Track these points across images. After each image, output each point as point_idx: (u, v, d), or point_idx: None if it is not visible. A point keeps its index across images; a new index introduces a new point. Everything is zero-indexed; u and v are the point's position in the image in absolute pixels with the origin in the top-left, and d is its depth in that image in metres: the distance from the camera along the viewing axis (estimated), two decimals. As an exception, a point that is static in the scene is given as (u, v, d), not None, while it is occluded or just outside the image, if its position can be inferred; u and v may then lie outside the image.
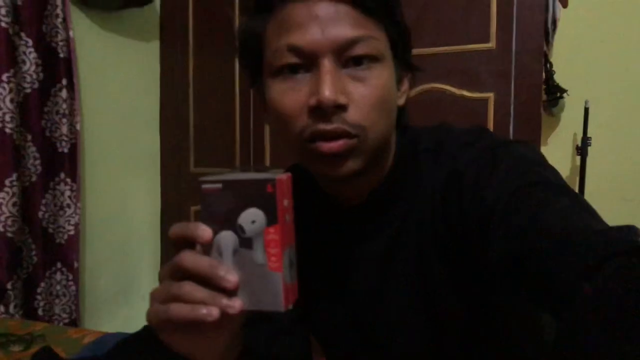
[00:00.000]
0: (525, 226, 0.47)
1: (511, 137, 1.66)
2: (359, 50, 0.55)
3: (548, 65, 1.87)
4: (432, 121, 1.95)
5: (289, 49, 0.55)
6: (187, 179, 2.20)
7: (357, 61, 0.56)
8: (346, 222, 0.67)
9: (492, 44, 1.67)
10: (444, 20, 1.73)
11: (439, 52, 1.73)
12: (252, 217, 0.42)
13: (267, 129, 2.00)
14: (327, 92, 0.53)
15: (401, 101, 0.63)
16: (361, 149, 0.57)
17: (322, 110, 0.54)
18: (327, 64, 0.54)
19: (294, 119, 0.56)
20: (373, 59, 0.56)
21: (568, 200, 0.48)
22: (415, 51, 2.02)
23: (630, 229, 0.42)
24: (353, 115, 0.55)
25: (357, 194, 0.64)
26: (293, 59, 0.55)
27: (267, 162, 2.02)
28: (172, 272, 0.44)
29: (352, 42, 0.55)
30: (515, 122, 1.65)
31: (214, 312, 0.41)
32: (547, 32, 1.68)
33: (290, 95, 0.56)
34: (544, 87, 1.80)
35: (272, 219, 0.42)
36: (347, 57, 0.55)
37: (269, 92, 0.59)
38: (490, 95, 1.69)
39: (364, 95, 0.56)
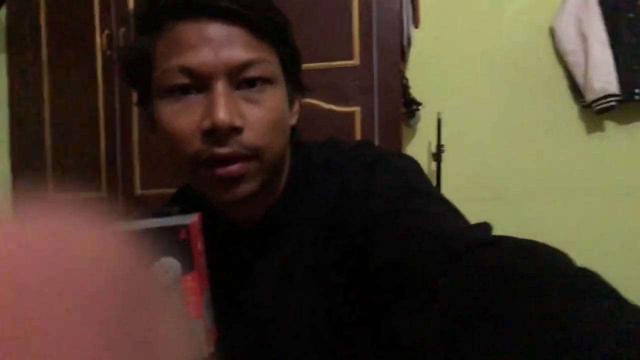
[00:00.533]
0: (402, 233, 0.49)
1: (377, 148, 1.78)
2: (252, 72, 0.55)
3: (404, 81, 2.04)
4: (303, 134, 2.01)
5: (180, 69, 0.53)
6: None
7: (251, 83, 0.55)
8: (242, 242, 0.65)
9: (355, 61, 1.78)
10: (308, 37, 1.80)
11: (306, 68, 1.78)
12: (165, 268, 0.39)
13: (135, 148, 1.91)
14: (222, 114, 0.52)
15: (293, 121, 0.65)
16: (258, 170, 0.56)
17: (217, 134, 0.52)
18: (220, 86, 0.53)
19: (187, 142, 0.54)
20: (266, 81, 0.56)
21: (439, 206, 0.52)
22: None
23: (482, 225, 0.46)
24: (249, 137, 0.54)
25: (253, 214, 0.64)
26: (185, 80, 0.54)
27: (137, 184, 1.92)
28: None
29: (246, 65, 0.54)
30: (380, 134, 1.77)
31: None
32: (403, 50, 1.83)
33: (182, 117, 0.55)
34: (402, 100, 1.95)
35: (188, 266, 0.39)
36: (241, 79, 0.55)
37: (158, 112, 0.57)
38: (357, 109, 1.79)
39: (259, 117, 0.55)
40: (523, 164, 2.15)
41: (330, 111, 1.80)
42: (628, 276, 2.07)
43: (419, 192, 0.55)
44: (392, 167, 0.60)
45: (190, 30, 0.53)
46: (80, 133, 1.96)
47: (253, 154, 0.55)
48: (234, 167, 0.54)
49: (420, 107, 2.09)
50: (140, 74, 0.59)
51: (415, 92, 2.09)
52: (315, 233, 0.62)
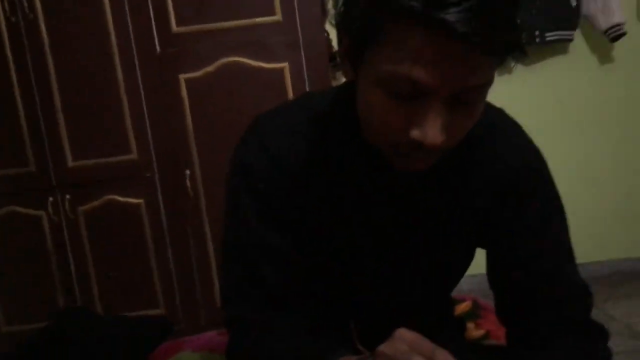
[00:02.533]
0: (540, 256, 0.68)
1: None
2: (470, 96, 0.53)
3: (326, 34, 2.13)
4: (236, 93, 2.08)
5: (408, 79, 0.51)
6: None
7: (465, 101, 0.54)
8: (391, 177, 0.68)
9: (278, 17, 1.85)
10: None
11: (230, 26, 1.84)
12: None
13: (60, 116, 1.88)
14: (434, 138, 0.53)
15: None
16: (439, 156, 0.59)
17: (423, 147, 0.54)
18: (440, 105, 0.53)
19: (390, 134, 0.57)
20: (481, 94, 0.55)
21: (567, 260, 0.71)
22: (206, 27, 2.11)
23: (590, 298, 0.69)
24: (447, 144, 0.56)
25: None
26: (408, 88, 0.52)
27: (69, 156, 1.90)
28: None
29: (469, 90, 0.53)
30: (310, 89, 1.87)
31: None
32: (323, 4, 1.92)
33: (392, 114, 0.55)
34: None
35: None
36: (460, 96, 0.53)
37: (369, 94, 0.57)
38: (285, 65, 1.87)
39: (462, 127, 0.57)
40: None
41: (259, 68, 1.87)
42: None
43: (562, 214, 0.72)
44: (550, 180, 0.73)
45: (429, 42, 0.50)
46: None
47: (444, 150, 0.58)
48: (421, 165, 0.60)
49: (345, 61, 2.18)
50: (358, 41, 0.56)
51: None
52: (464, 176, 0.70)
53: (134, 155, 1.91)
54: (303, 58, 1.88)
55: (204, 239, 1.97)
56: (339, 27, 0.61)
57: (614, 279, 2.33)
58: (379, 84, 0.54)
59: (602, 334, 0.70)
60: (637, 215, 2.41)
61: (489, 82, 0.53)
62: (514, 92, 2.34)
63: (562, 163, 2.34)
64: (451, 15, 0.46)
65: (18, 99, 1.88)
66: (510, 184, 0.70)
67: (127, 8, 1.84)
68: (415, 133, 0.54)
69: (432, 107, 0.52)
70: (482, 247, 0.77)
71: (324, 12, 1.94)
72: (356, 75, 0.60)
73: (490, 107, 0.72)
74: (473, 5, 0.46)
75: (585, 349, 0.67)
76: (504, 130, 0.72)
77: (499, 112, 0.74)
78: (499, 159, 0.70)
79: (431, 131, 0.53)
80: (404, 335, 0.52)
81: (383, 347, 0.52)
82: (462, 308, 1.21)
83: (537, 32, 2.22)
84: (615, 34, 2.20)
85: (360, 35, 0.55)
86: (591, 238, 2.38)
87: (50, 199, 1.92)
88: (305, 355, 0.63)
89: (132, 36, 1.85)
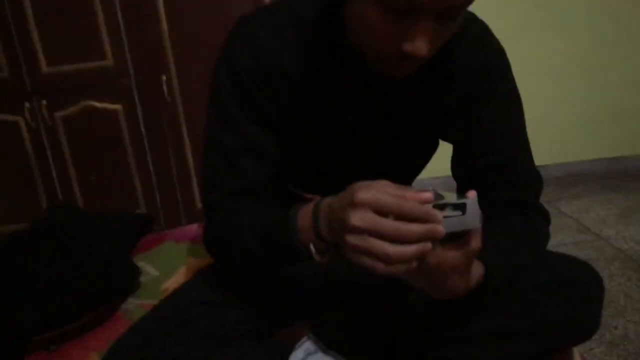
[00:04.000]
0: (500, 144, 0.82)
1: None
2: (454, 13, 0.63)
3: None
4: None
5: (408, 2, 0.60)
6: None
7: (449, 17, 0.63)
8: (371, 79, 0.77)
9: None
10: None
11: None
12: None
13: (31, 19, 1.85)
14: (423, 50, 0.62)
15: None
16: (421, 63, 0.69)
17: (411, 56, 0.64)
18: (428, 23, 0.61)
19: (382, 45, 0.65)
20: (459, 13, 0.64)
21: (523, 151, 0.83)
22: None
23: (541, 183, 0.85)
24: (431, 53, 0.66)
25: None
26: (405, 5, 0.60)
27: (43, 61, 1.90)
28: (377, 207, 0.55)
29: (454, 7, 0.62)
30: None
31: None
32: None
33: (385, 27, 0.63)
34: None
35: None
36: (443, 14, 0.62)
37: (365, 7, 0.64)
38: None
39: (443, 39, 0.67)
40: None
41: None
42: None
43: (520, 109, 0.85)
44: (511, 79, 0.85)
45: None
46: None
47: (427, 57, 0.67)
48: (405, 72, 0.70)
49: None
50: None
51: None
52: (434, 74, 0.79)
53: (109, 61, 1.92)
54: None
55: (181, 143, 2.06)
56: None
57: (569, 180, 2.57)
58: (375, 1, 0.62)
59: (545, 216, 0.85)
60: (594, 119, 2.58)
61: (470, 1, 0.63)
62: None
63: (531, 64, 2.47)
64: None
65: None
66: (475, 83, 0.81)
67: None
68: (406, 46, 0.63)
69: (423, 22, 0.61)
70: (448, 140, 0.90)
71: None
72: None
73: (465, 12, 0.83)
74: None
75: (531, 224, 0.82)
76: (473, 33, 0.82)
77: (471, 16, 0.83)
78: (466, 60, 0.80)
79: (421, 44, 0.62)
80: (364, 199, 0.56)
81: (353, 221, 0.56)
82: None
83: None
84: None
85: None
86: (551, 140, 2.58)
87: (27, 104, 1.94)
88: (267, 230, 0.74)
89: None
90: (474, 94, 0.82)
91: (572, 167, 2.61)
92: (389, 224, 0.55)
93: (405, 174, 0.97)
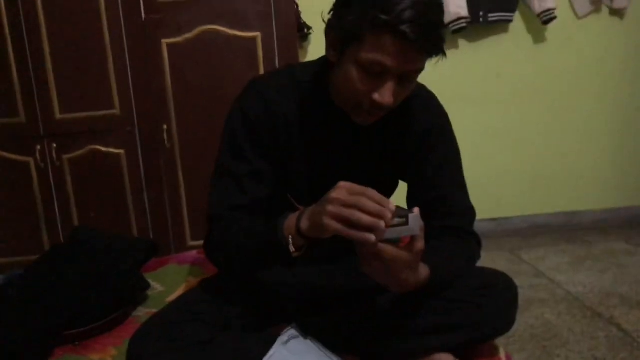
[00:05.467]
0: (439, 185, 1.09)
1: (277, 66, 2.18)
2: (411, 76, 0.93)
3: (296, 6, 2.41)
4: (212, 58, 2.40)
5: (378, 64, 0.88)
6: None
7: (409, 78, 0.93)
8: (349, 127, 1.05)
9: (255, -13, 2.12)
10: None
11: (209, -4, 2.11)
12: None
13: (50, 71, 2.11)
14: (388, 100, 0.91)
15: None
16: (384, 114, 0.99)
17: (379, 106, 0.92)
18: (393, 81, 0.90)
19: (357, 95, 0.94)
20: (416, 76, 0.95)
21: (459, 189, 1.12)
22: None
23: (473, 213, 1.14)
24: (394, 105, 0.94)
25: None
26: (377, 70, 0.89)
27: (56, 108, 2.15)
28: (352, 191, 0.81)
29: (412, 72, 0.92)
30: (279, 57, 2.17)
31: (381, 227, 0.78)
32: (294, -20, 2.19)
33: (362, 83, 0.92)
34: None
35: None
36: (402, 76, 0.91)
37: (348, 70, 0.93)
38: (258, 34, 2.16)
39: (402, 96, 0.96)
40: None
41: (234, 36, 2.15)
42: (478, 172, 2.76)
43: (458, 157, 1.14)
44: (451, 133, 1.15)
45: (393, 44, 0.86)
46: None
47: (392, 109, 0.96)
48: (373, 119, 0.99)
49: (311, 31, 2.49)
50: (348, 35, 0.91)
51: (306, 16, 2.47)
52: (395, 130, 1.09)
53: (116, 111, 2.17)
54: (274, 28, 2.17)
55: (177, 186, 2.28)
56: (329, 25, 0.99)
57: (530, 232, 2.84)
58: (357, 64, 0.91)
59: (477, 240, 1.13)
60: (556, 176, 2.88)
61: (423, 68, 0.93)
62: (460, 66, 2.73)
63: (495, 127, 2.80)
64: (407, 27, 0.84)
65: (11, 56, 2.10)
66: (423, 138, 1.11)
67: (116, -23, 2.06)
68: (376, 97, 0.92)
69: (389, 81, 0.90)
70: (404, 180, 1.20)
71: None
72: (338, 58, 0.96)
73: (417, 83, 1.14)
74: (421, 22, 0.84)
75: (464, 246, 1.09)
76: (424, 99, 1.14)
77: (422, 86, 1.14)
78: (417, 119, 1.11)
79: (386, 95, 0.91)
80: (344, 184, 0.83)
81: (335, 194, 0.82)
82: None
83: (481, 13, 2.58)
84: (547, 17, 2.59)
85: (349, 34, 0.91)
86: (516, 195, 2.87)
87: (38, 147, 2.17)
88: (258, 229, 0.98)
89: (119, 3, 2.08)
90: (422, 146, 1.11)
91: (533, 220, 2.89)
92: (358, 198, 0.80)
93: None
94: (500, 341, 1.61)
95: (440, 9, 0.91)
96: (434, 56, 0.92)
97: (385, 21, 0.85)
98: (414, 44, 0.85)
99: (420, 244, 0.85)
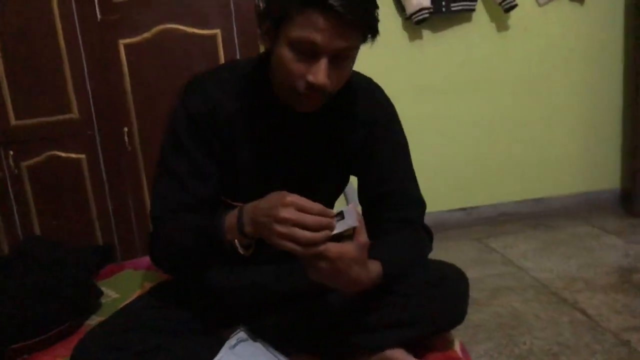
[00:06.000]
0: (388, 172, 1.11)
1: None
2: (344, 54, 0.92)
3: (256, 1, 2.39)
4: (172, 57, 2.37)
5: (309, 41, 0.87)
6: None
7: (342, 57, 0.92)
8: (290, 118, 1.04)
9: (211, -14, 2.09)
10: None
11: (166, -5, 2.07)
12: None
13: (3, 78, 2.06)
14: (322, 79, 0.90)
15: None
16: (326, 99, 0.97)
17: (314, 87, 0.91)
18: (325, 60, 0.89)
19: (292, 79, 0.92)
20: (351, 53, 0.93)
21: (409, 181, 1.12)
22: None
23: (423, 204, 1.17)
24: (330, 89, 0.93)
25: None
26: (307, 47, 0.88)
27: (11, 115, 2.10)
28: (299, 208, 0.82)
29: (343, 50, 0.90)
30: (241, 54, 2.15)
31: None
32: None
33: (295, 64, 0.91)
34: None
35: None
36: (336, 55, 0.90)
37: (281, 51, 0.91)
38: (217, 31, 2.13)
39: (339, 79, 0.95)
40: (360, 68, 2.68)
41: (193, 34, 2.12)
42: (446, 162, 2.80)
43: (406, 149, 1.15)
44: (398, 125, 1.16)
45: (322, 19, 0.86)
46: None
47: (328, 95, 0.95)
48: (313, 105, 0.97)
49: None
50: (277, 15, 0.91)
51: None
52: (339, 122, 1.09)
53: (74, 115, 2.13)
54: (234, 24, 2.14)
55: (140, 190, 2.24)
56: (260, 14, 0.99)
57: (499, 219, 2.89)
58: (289, 45, 0.90)
59: (428, 232, 1.14)
60: (523, 164, 2.93)
61: (355, 47, 0.93)
62: (425, 56, 2.75)
63: (462, 116, 2.83)
64: (337, 2, 0.83)
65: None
66: (371, 130, 1.12)
67: (68, -24, 2.00)
68: (310, 77, 0.90)
69: (322, 60, 0.89)
70: (353, 174, 1.20)
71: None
72: (272, 45, 0.95)
73: (363, 76, 1.17)
74: None
75: (415, 238, 1.11)
76: (370, 91, 1.15)
77: (367, 78, 1.16)
78: (363, 111, 1.12)
79: (320, 75, 0.89)
80: (292, 200, 0.84)
81: (283, 214, 0.83)
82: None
83: (443, 3, 2.60)
84: (508, 5, 2.61)
85: (278, 15, 0.91)
86: (484, 184, 2.91)
87: (-6, 154, 2.11)
88: (201, 229, 0.97)
89: (73, 3, 2.03)
90: (368, 140, 1.12)
91: (502, 208, 2.94)
92: (309, 217, 0.82)
93: (322, 198, 1.23)
94: (466, 332, 1.66)
95: None
96: (367, 34, 0.93)
97: None
98: (343, 19, 0.85)
99: (363, 237, 0.87)
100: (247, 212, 0.90)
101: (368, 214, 1.16)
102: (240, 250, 0.91)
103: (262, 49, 2.58)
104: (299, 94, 0.94)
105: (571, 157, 2.97)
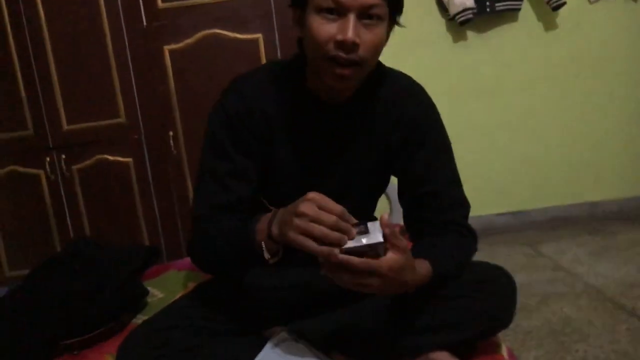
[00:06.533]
0: (430, 174, 1.07)
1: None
2: (372, 11, 0.91)
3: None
4: (214, 62, 2.42)
5: (333, 1, 0.89)
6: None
7: (370, 17, 0.92)
8: (327, 114, 1.06)
9: (252, -10, 2.13)
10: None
11: (210, 1, 2.12)
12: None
13: (56, 83, 2.15)
14: (351, 35, 0.89)
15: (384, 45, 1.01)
16: (359, 73, 0.96)
17: (344, 45, 0.90)
18: (352, 16, 0.90)
19: (323, 44, 0.92)
20: (379, 18, 0.93)
21: (453, 182, 1.10)
22: (188, 2, 2.45)
23: (467, 205, 1.11)
24: (361, 51, 0.92)
25: (341, 97, 1.05)
26: (332, 6, 0.90)
27: (64, 120, 2.19)
28: (320, 206, 0.81)
29: (371, 6, 0.90)
30: (282, 57, 2.17)
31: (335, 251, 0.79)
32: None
33: (324, 28, 0.92)
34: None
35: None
36: (365, 13, 0.91)
37: (310, 21, 0.93)
38: (259, 35, 2.17)
39: (370, 40, 0.93)
40: (403, 70, 2.65)
41: (235, 39, 2.16)
42: (492, 165, 2.73)
43: (449, 149, 1.12)
44: (441, 126, 1.13)
45: None
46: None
47: (361, 62, 0.93)
48: (347, 71, 0.94)
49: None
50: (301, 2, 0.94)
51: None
52: (380, 120, 1.08)
53: (122, 119, 2.20)
54: (275, 29, 2.17)
55: (185, 192, 2.29)
56: (291, 4, 1.00)
57: (550, 224, 2.78)
58: (316, 12, 0.91)
59: (473, 234, 1.10)
60: (576, 166, 2.81)
61: (382, 9, 0.92)
62: (470, 57, 2.69)
63: (510, 118, 2.75)
64: None
65: (17, 69, 2.15)
66: (413, 129, 1.09)
67: (116, -15, 2.09)
68: (339, 36, 0.90)
69: (348, 19, 0.90)
70: (394, 174, 1.17)
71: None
72: (303, 24, 0.96)
73: (404, 74, 1.15)
74: None
75: (460, 239, 1.07)
76: (411, 90, 1.13)
77: (409, 78, 1.15)
78: (404, 109, 1.09)
79: (349, 32, 0.89)
80: (313, 196, 0.83)
81: (302, 208, 0.81)
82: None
83: (487, 3, 2.55)
84: (556, 3, 2.54)
85: None
86: (534, 187, 2.81)
87: (48, 159, 2.21)
88: (234, 233, 0.97)
89: (120, 11, 2.11)
90: (409, 140, 1.09)
91: (553, 212, 2.83)
92: (326, 214, 0.80)
93: (362, 200, 1.21)
94: (515, 338, 1.59)
95: None
96: None
97: None
98: None
99: (401, 242, 0.83)
100: (277, 215, 0.90)
101: (409, 216, 1.13)
102: (265, 255, 0.90)
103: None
104: (333, 62, 0.93)
105: (625, 159, 2.83)
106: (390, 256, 0.83)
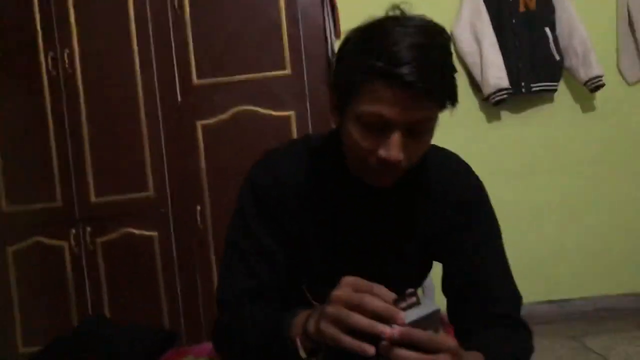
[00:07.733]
0: (475, 267, 0.97)
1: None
2: (420, 127, 0.82)
3: (331, 84, 2.45)
4: (246, 138, 2.42)
5: (377, 115, 0.79)
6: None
7: (419, 132, 0.82)
8: (367, 195, 0.96)
9: (288, 71, 2.17)
10: (245, 51, 2.16)
11: (246, 79, 2.17)
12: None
13: (87, 155, 2.19)
14: (396, 154, 0.80)
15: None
16: (401, 173, 0.87)
17: (387, 163, 0.81)
18: (398, 133, 0.80)
19: (364, 155, 0.83)
20: (427, 128, 0.84)
21: (502, 271, 1.00)
22: (224, 79, 2.50)
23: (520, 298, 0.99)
24: (405, 164, 0.83)
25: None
26: (376, 121, 0.80)
27: (92, 192, 2.20)
28: (356, 287, 0.71)
29: (419, 122, 0.80)
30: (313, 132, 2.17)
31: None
32: (328, 59, 2.24)
33: (366, 141, 0.82)
34: (330, 102, 2.35)
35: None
36: (413, 130, 0.81)
37: (350, 127, 0.84)
38: (291, 113, 2.18)
39: (416, 152, 0.84)
40: (437, 152, 2.64)
41: (268, 116, 2.18)
42: (531, 250, 2.61)
43: (499, 236, 1.02)
44: (489, 209, 1.04)
45: (390, 91, 0.77)
46: (31, 147, 2.22)
47: (405, 168, 0.85)
48: (387, 180, 0.88)
49: (345, 107, 2.50)
50: (343, 92, 0.85)
51: (340, 93, 2.50)
52: (424, 203, 1.00)
53: (150, 193, 2.20)
54: (308, 107, 2.19)
55: (209, 269, 2.24)
56: (330, 87, 0.91)
57: (597, 315, 2.61)
58: (357, 121, 0.81)
59: (527, 329, 0.99)
60: (623, 253, 2.68)
61: (432, 118, 0.83)
62: (504, 138, 2.67)
63: (548, 202, 2.66)
64: (404, 69, 0.75)
65: (52, 142, 2.21)
66: (458, 214, 0.99)
67: (154, 62, 2.17)
68: (381, 152, 0.81)
69: (393, 134, 0.80)
70: (438, 260, 1.06)
71: (329, 66, 2.25)
72: (341, 120, 0.88)
73: (450, 152, 1.05)
74: (419, 64, 0.75)
75: (512, 337, 0.95)
76: (456, 169, 1.03)
77: (454, 156, 1.05)
78: (450, 191, 1.00)
79: (393, 151, 0.80)
80: (349, 280, 0.73)
81: (336, 292, 0.71)
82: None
83: (523, 84, 2.54)
84: (594, 84, 2.52)
85: (344, 89, 0.84)
86: (575, 275, 2.67)
87: (73, 231, 2.20)
88: (268, 322, 0.88)
89: (156, 86, 2.17)
90: (453, 223, 1.00)
91: (599, 302, 2.66)
92: (358, 296, 0.70)
93: (402, 288, 1.12)
94: None
95: (445, 50, 0.82)
96: (444, 103, 0.82)
97: (379, 67, 0.76)
98: (413, 88, 0.76)
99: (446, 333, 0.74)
100: (319, 308, 0.78)
101: (455, 309, 1.02)
102: (301, 353, 0.80)
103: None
104: (372, 169, 0.86)
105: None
106: (446, 335, 0.73)
